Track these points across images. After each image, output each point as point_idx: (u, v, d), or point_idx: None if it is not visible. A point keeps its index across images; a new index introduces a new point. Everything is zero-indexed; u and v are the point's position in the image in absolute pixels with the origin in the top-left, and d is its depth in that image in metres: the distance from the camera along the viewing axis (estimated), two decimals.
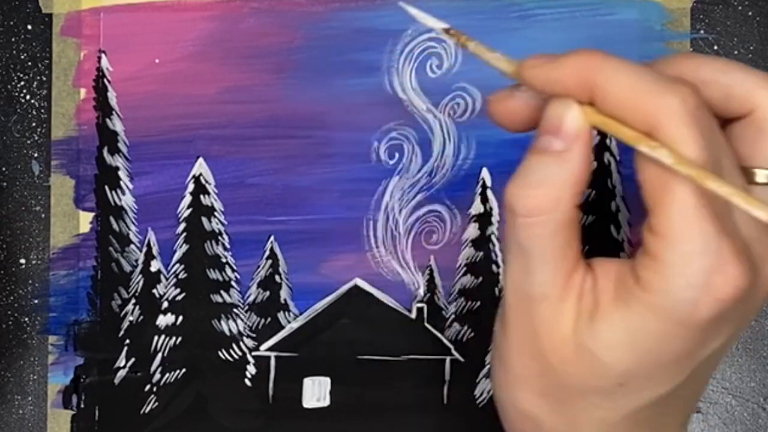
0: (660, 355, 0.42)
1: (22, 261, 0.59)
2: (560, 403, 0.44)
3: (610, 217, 0.59)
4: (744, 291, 0.40)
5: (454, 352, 0.58)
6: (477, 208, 0.59)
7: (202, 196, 0.59)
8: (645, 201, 0.41)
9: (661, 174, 0.40)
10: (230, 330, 0.59)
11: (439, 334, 0.58)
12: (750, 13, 0.58)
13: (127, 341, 0.59)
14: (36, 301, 0.59)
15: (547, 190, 0.42)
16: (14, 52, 0.59)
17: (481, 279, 0.59)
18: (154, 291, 0.59)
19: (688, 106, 0.40)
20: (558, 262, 0.43)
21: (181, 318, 0.59)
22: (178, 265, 0.59)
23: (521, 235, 0.43)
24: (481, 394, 0.58)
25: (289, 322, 0.59)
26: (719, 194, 0.39)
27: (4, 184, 0.59)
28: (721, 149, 0.41)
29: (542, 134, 0.42)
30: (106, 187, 0.59)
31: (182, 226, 0.59)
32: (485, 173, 0.58)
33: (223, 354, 0.59)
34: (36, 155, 0.59)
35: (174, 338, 0.59)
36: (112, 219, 0.59)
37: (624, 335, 0.42)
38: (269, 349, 0.59)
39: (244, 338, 0.59)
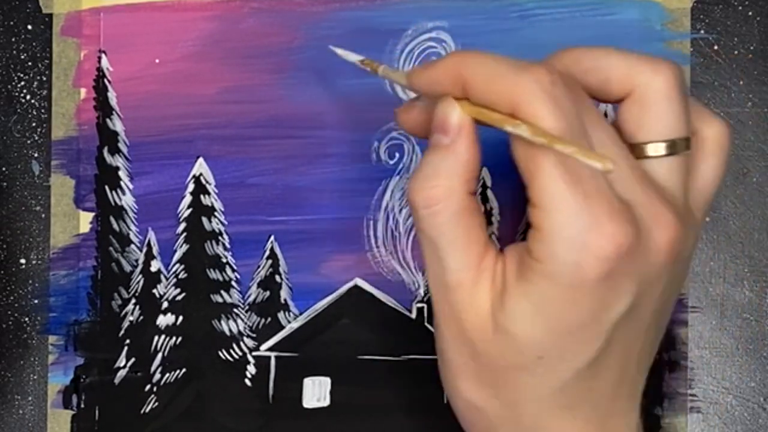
0: (565, 321, 0.45)
1: (22, 261, 0.59)
2: (495, 387, 0.47)
3: None
4: (626, 248, 0.43)
5: None
6: None
7: (202, 196, 0.59)
8: (522, 178, 0.44)
9: (528, 150, 0.44)
10: (230, 330, 0.59)
11: None
12: (750, 13, 0.58)
13: (127, 341, 0.59)
14: (36, 301, 0.59)
15: (439, 181, 0.46)
16: (14, 52, 0.59)
17: None
18: (154, 291, 0.59)
19: (542, 84, 0.43)
20: (464, 247, 0.46)
21: (181, 318, 0.59)
22: (178, 265, 0.59)
23: (425, 226, 0.46)
24: None
25: (289, 322, 0.59)
26: (565, 154, 0.42)
27: (4, 184, 0.59)
28: (589, 119, 0.45)
29: (433, 132, 0.47)
30: (106, 187, 0.59)
31: (182, 226, 0.59)
32: (485, 173, 0.58)
33: (223, 354, 0.59)
34: (36, 155, 0.59)
35: (174, 338, 0.59)
36: (112, 219, 0.59)
37: (529, 307, 0.45)
38: (269, 349, 0.59)
39: (244, 338, 0.59)
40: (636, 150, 0.47)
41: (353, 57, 0.52)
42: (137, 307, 0.59)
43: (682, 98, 0.47)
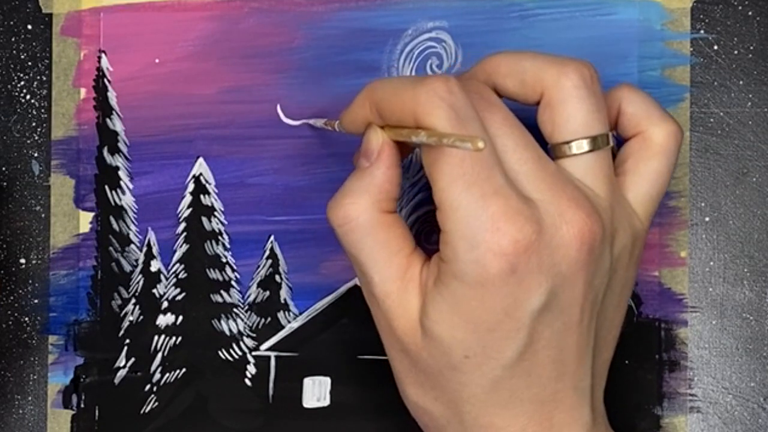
0: (480, 319, 0.46)
1: (22, 261, 0.59)
2: (434, 389, 0.49)
3: None
4: (524, 244, 0.45)
5: None
6: None
7: (202, 196, 0.59)
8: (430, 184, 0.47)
9: (430, 155, 0.46)
10: (230, 330, 0.59)
11: None
12: (750, 13, 0.58)
13: (127, 341, 0.59)
14: (36, 301, 0.59)
15: (352, 200, 0.48)
16: (14, 52, 0.59)
17: None
18: (154, 291, 0.59)
19: (438, 93, 0.46)
20: (385, 259, 0.48)
21: (181, 318, 0.59)
22: (178, 264, 0.59)
23: (344, 243, 0.49)
24: None
25: (289, 321, 0.59)
26: (449, 146, 0.44)
27: (4, 184, 0.59)
28: (496, 124, 0.47)
29: (360, 158, 0.49)
30: (106, 187, 0.59)
31: (182, 225, 0.59)
32: None
33: (223, 354, 0.59)
34: (36, 155, 0.59)
35: (174, 338, 0.59)
36: (112, 219, 0.59)
37: (447, 309, 0.47)
38: (269, 349, 0.59)
39: (244, 338, 0.59)
40: (557, 150, 0.48)
41: (319, 123, 0.57)
42: (137, 307, 0.59)
43: (591, 96, 0.48)
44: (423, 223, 0.59)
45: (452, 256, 0.46)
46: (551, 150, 0.49)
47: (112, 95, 0.59)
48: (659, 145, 0.50)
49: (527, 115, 0.50)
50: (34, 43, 0.59)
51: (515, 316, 0.46)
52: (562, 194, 0.47)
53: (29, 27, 0.59)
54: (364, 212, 0.48)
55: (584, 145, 0.48)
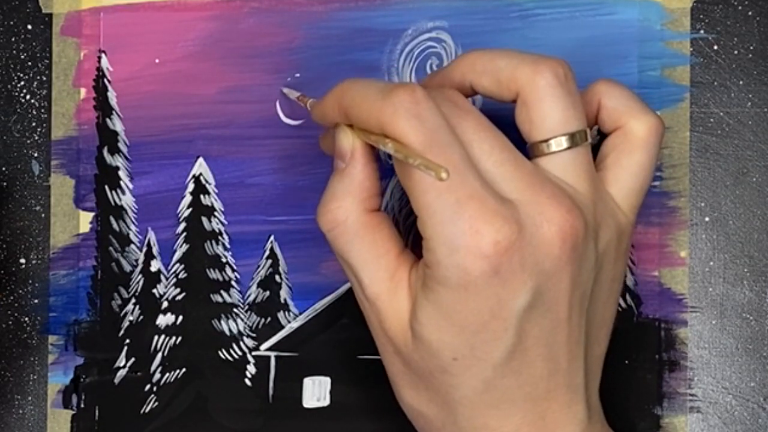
0: (467, 321, 0.46)
1: (22, 261, 0.59)
2: (427, 391, 0.49)
3: None
4: (504, 245, 0.45)
5: None
6: None
7: (202, 196, 0.59)
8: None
9: (403, 165, 0.46)
10: (230, 330, 0.59)
11: None
12: (750, 13, 0.58)
13: (127, 341, 0.59)
14: (36, 301, 0.59)
15: (336, 203, 0.49)
16: (14, 52, 0.59)
17: None
18: (154, 291, 0.59)
19: (404, 104, 0.46)
20: (373, 261, 0.49)
21: (181, 318, 0.59)
22: (178, 264, 0.59)
23: (335, 248, 0.49)
24: None
25: (289, 321, 0.59)
26: (414, 166, 0.45)
27: (4, 184, 0.59)
28: (467, 128, 0.47)
29: (335, 159, 0.50)
30: (106, 187, 0.59)
31: (182, 225, 0.59)
32: None
33: (223, 354, 0.59)
34: (36, 155, 0.59)
35: (174, 338, 0.59)
36: (112, 219, 0.59)
37: (434, 312, 0.47)
38: (269, 349, 0.59)
39: (244, 338, 0.59)
40: (536, 149, 0.49)
41: (293, 95, 0.57)
42: (137, 306, 0.59)
43: (566, 94, 0.48)
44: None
45: (434, 261, 0.46)
46: (530, 149, 0.49)
47: (112, 95, 0.59)
48: (640, 138, 0.50)
49: (506, 114, 0.50)
50: (34, 43, 0.59)
51: (501, 316, 0.46)
52: (541, 193, 0.47)
53: (29, 27, 0.59)
54: (351, 214, 0.49)
55: (563, 143, 0.48)
